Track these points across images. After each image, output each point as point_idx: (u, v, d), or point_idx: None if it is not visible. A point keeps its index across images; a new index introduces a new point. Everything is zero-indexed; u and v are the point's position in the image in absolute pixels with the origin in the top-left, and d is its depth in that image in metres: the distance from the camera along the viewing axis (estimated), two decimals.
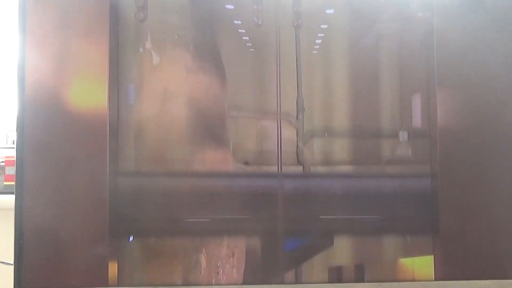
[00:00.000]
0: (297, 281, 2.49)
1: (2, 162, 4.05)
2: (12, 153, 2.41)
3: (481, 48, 2.45)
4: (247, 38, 3.23)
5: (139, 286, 2.46)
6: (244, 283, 2.52)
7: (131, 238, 2.47)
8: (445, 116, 2.45)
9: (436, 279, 2.38)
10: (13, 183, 2.33)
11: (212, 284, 2.50)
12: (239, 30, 3.13)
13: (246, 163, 2.87)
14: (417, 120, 2.72)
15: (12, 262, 2.32)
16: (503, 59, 2.45)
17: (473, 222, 2.39)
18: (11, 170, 3.70)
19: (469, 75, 2.44)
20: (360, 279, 2.42)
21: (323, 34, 3.14)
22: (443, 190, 2.41)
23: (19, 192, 2.30)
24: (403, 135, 2.65)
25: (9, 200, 2.38)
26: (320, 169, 2.82)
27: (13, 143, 2.37)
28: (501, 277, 2.36)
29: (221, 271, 2.56)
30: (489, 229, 2.39)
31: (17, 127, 2.31)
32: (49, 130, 2.34)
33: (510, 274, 2.38)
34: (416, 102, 2.72)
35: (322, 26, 3.02)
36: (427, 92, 2.57)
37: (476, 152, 2.42)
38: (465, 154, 2.41)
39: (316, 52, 3.29)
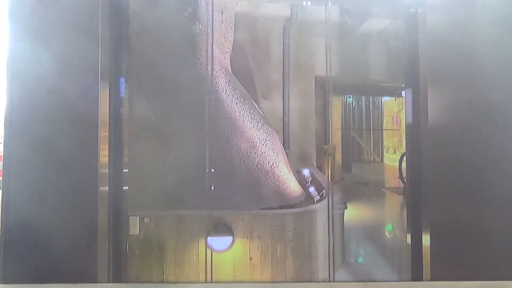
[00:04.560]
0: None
1: None
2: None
3: (473, 44, 2.46)
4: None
5: (127, 282, 2.45)
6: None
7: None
8: (436, 112, 2.45)
9: (424, 280, 2.39)
10: (0, 178, 2.28)
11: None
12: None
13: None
14: (408, 116, 2.72)
15: None
16: (496, 54, 2.47)
17: (460, 224, 2.41)
18: None
19: (461, 70, 2.45)
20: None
21: (316, 28, 3.14)
22: (433, 192, 2.42)
23: (6, 187, 2.23)
24: None
25: None
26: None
27: (1, 139, 2.32)
28: (485, 278, 2.39)
29: None
30: (476, 232, 2.41)
31: (5, 122, 2.24)
32: (37, 126, 2.28)
33: (494, 275, 2.41)
34: (408, 98, 2.72)
35: (315, 19, 3.00)
36: (418, 88, 2.57)
37: (466, 152, 2.43)
38: (456, 154, 2.42)
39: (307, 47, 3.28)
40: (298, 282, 2.40)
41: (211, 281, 2.55)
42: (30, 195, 2.27)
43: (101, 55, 2.30)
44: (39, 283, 2.26)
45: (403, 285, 2.40)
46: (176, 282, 2.47)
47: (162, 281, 2.53)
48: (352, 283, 2.39)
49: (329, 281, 2.44)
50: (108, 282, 2.35)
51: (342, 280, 2.43)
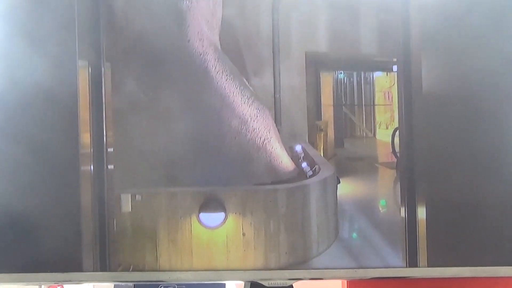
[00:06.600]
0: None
1: None
2: None
3: (469, 14, 2.46)
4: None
5: (114, 271, 2.45)
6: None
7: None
8: (430, 85, 2.47)
9: (410, 266, 2.40)
10: None
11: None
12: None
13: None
14: (400, 90, 2.73)
15: None
16: (492, 26, 2.47)
17: (452, 207, 2.42)
18: None
19: (455, 42, 2.45)
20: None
21: (305, 2, 3.10)
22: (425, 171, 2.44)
23: None
24: None
25: None
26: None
27: None
28: (475, 264, 2.39)
29: None
30: (466, 214, 2.42)
31: None
32: (13, 109, 2.31)
33: (484, 261, 2.42)
34: (400, 72, 2.73)
35: None
36: (410, 61, 2.59)
37: (458, 125, 2.44)
38: (448, 127, 2.44)
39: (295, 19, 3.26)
40: (287, 269, 2.42)
41: (202, 266, 2.57)
42: (10, 181, 2.27)
43: (78, 32, 2.31)
44: (24, 272, 2.26)
45: (391, 271, 2.42)
46: (167, 270, 2.47)
47: (156, 259, 2.55)
48: (341, 270, 2.41)
49: (319, 268, 2.46)
50: (95, 264, 2.35)
51: (335, 255, 2.45)
